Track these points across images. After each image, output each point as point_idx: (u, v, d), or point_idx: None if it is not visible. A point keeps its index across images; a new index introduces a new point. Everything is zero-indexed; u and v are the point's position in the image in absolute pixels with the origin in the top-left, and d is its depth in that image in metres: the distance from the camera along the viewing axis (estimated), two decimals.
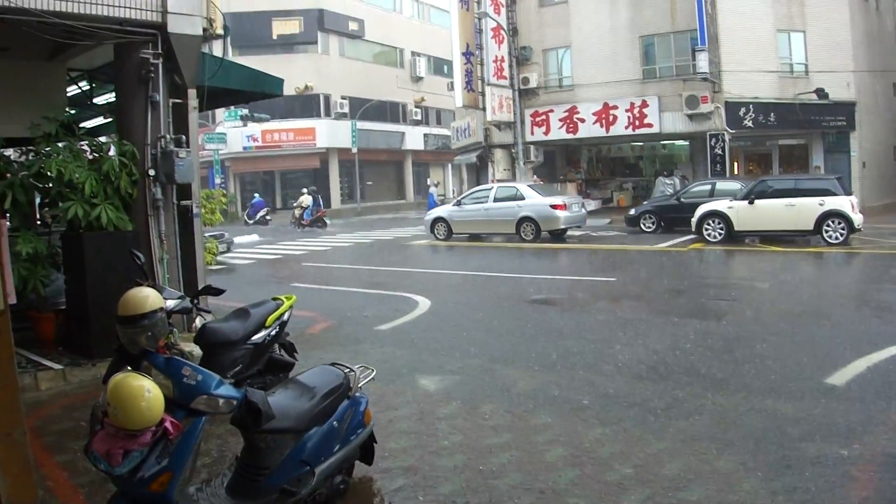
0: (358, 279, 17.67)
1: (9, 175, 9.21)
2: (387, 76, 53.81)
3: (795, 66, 31.26)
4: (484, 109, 33.88)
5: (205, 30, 10.46)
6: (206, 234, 18.49)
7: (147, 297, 4.32)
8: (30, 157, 9.71)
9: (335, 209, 48.08)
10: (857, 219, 20.34)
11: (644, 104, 31.76)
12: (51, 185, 9.56)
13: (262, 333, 6.95)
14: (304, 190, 40.35)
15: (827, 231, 20.40)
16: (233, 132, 45.23)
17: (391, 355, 9.50)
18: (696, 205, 23.32)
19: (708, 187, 25.24)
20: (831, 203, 20.40)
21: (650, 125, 31.76)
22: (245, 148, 47.57)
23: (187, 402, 4.04)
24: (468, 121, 39.29)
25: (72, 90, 14.05)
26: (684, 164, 35.21)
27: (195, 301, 6.16)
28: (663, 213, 25.94)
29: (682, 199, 25.37)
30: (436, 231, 27.36)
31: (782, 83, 30.77)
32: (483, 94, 33.60)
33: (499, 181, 31.84)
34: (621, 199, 36.57)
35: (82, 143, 10.17)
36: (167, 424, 3.86)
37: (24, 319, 9.56)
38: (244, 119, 42.96)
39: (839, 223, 20.27)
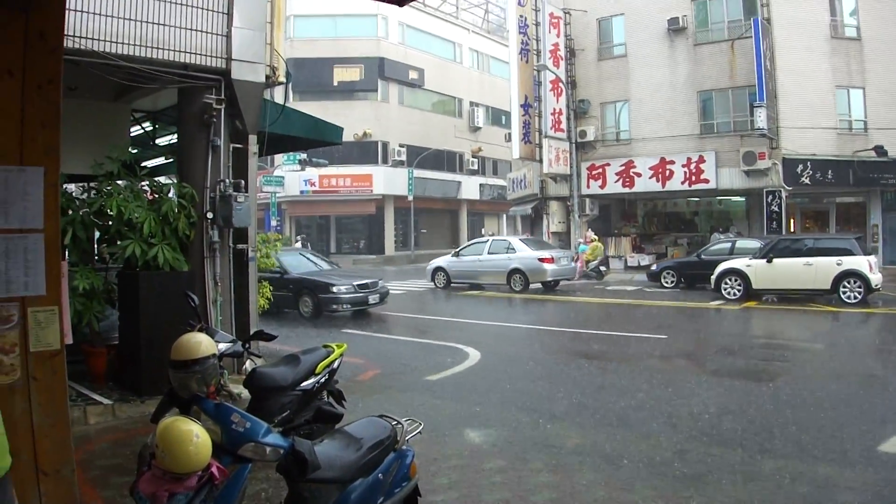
0: (409, 327, 17.65)
1: (70, 211, 9.37)
2: (445, 125, 54.19)
3: (854, 122, 30.81)
4: (541, 161, 33.98)
5: (267, 77, 10.66)
6: (380, 283, 19.49)
7: (200, 343, 4.36)
8: (91, 195, 9.92)
9: (388, 256, 48.35)
10: (875, 279, 20.25)
11: (701, 159, 31.52)
12: (110, 222, 9.72)
13: (311, 380, 6.95)
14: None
15: (844, 291, 20.31)
16: (291, 175, 45.75)
17: (439, 406, 9.46)
18: (717, 262, 23.51)
19: (728, 245, 25.79)
20: (849, 263, 20.31)
21: (706, 181, 31.47)
22: (302, 192, 48.05)
23: (235, 449, 4.04)
24: (524, 172, 39.35)
25: (135, 130, 14.41)
26: (740, 220, 34.75)
27: (247, 345, 6.21)
28: (683, 270, 26.18)
29: (703, 257, 25.68)
30: (436, 279, 28.37)
31: (840, 140, 30.32)
32: (540, 146, 33.68)
33: (492, 235, 33.65)
34: (675, 254, 36.09)
35: (143, 183, 10.37)
36: (213, 469, 3.86)
37: (77, 353, 9.70)
38: (302, 163, 43.50)
39: (856, 283, 20.21)
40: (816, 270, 20.72)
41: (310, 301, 18.78)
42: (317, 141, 14.10)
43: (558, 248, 30.11)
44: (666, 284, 26.26)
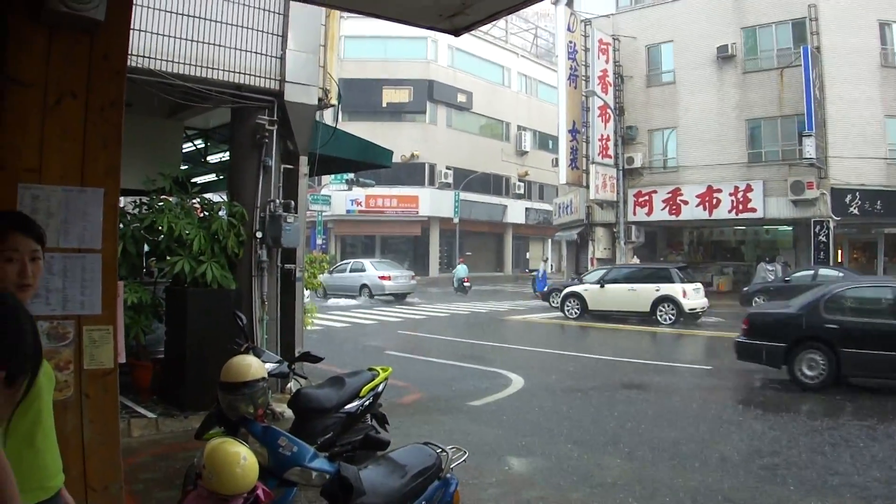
0: (452, 351, 17.60)
1: (122, 226, 9.41)
2: (492, 148, 54.23)
3: None
4: (587, 187, 33.91)
5: (320, 99, 10.74)
6: None
7: (250, 366, 4.38)
8: (143, 210, 10.01)
9: (432, 277, 48.44)
10: (689, 303, 23.75)
11: (748, 188, 31.24)
12: (161, 238, 9.81)
13: (356, 403, 6.94)
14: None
15: (661, 313, 23.97)
16: (337, 195, 46.06)
17: (481, 433, 9.39)
18: (806, 287, 23.51)
19: (811, 272, 26.79)
20: (666, 289, 23.99)
21: (754, 209, 31.20)
22: (349, 211, 48.33)
23: (281, 472, 4.05)
24: (571, 197, 39.26)
25: (187, 147, 14.56)
26: (787, 249, 34.28)
27: (292, 366, 6.22)
28: (774, 295, 26.18)
29: (793, 281, 26.22)
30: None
31: (890, 170, 29.87)
32: (587, 171, 33.60)
33: (352, 259, 39.07)
34: (721, 283, 35.75)
35: (194, 200, 10.49)
36: (259, 492, 3.86)
37: (123, 365, 9.71)
38: (349, 183, 43.82)
39: (671, 307, 23.79)
40: (638, 295, 24.43)
41: None
42: (366, 163, 14.19)
43: (403, 269, 37.19)
44: None
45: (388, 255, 51.08)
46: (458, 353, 17.20)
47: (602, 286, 25.45)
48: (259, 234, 10.12)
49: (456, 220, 48.77)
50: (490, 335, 20.93)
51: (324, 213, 44.05)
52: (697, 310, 24.21)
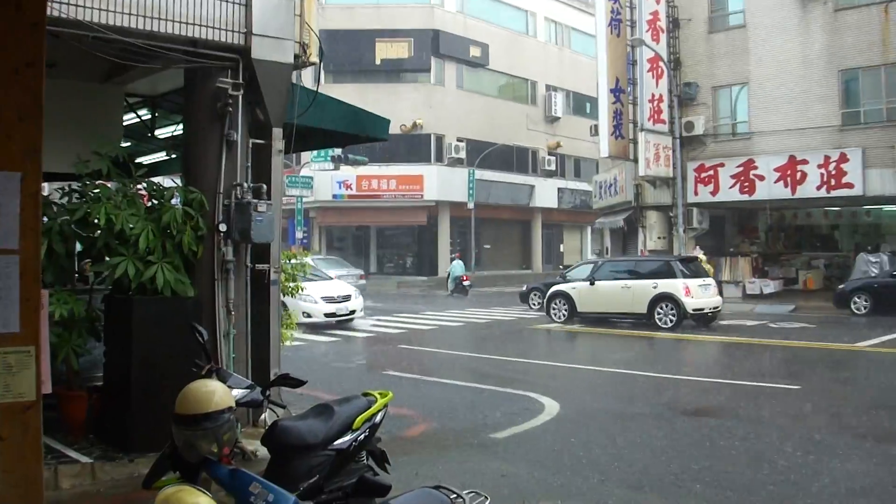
0: (468, 369, 17.64)
1: (46, 219, 9.18)
2: (514, 115, 54.14)
3: None
4: (635, 161, 33.76)
5: (296, 56, 10.62)
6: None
7: (213, 393, 4.34)
8: (73, 199, 9.81)
9: (441, 278, 47.64)
10: (691, 302, 24.78)
11: (843, 158, 31.00)
12: (97, 234, 9.71)
13: (348, 437, 6.83)
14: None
15: (659, 315, 25.18)
16: (321, 176, 46.01)
17: (508, 473, 9.31)
18: None
19: None
20: (664, 286, 25.20)
21: (850, 185, 30.95)
22: (335, 196, 48.41)
23: None
24: (615, 174, 39.12)
25: (129, 119, 14.47)
26: (895, 235, 34.10)
27: (267, 393, 6.15)
28: (880, 293, 26.75)
29: None
30: None
31: None
32: (635, 141, 33.49)
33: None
34: (809, 279, 35.51)
35: (139, 185, 10.27)
36: None
37: (50, 397, 9.53)
38: (336, 161, 43.67)
39: (670, 307, 24.97)
40: (633, 294, 25.78)
41: None
42: (356, 136, 14.02)
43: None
44: (856, 311, 27.41)
45: (385, 250, 51.02)
46: (474, 370, 17.28)
47: (592, 283, 26.87)
48: (223, 228, 10.01)
49: (471, 206, 48.76)
50: (509, 348, 20.94)
51: (304, 200, 44.02)
52: (706, 310, 25.42)
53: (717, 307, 25.68)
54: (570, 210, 57.75)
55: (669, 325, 24.61)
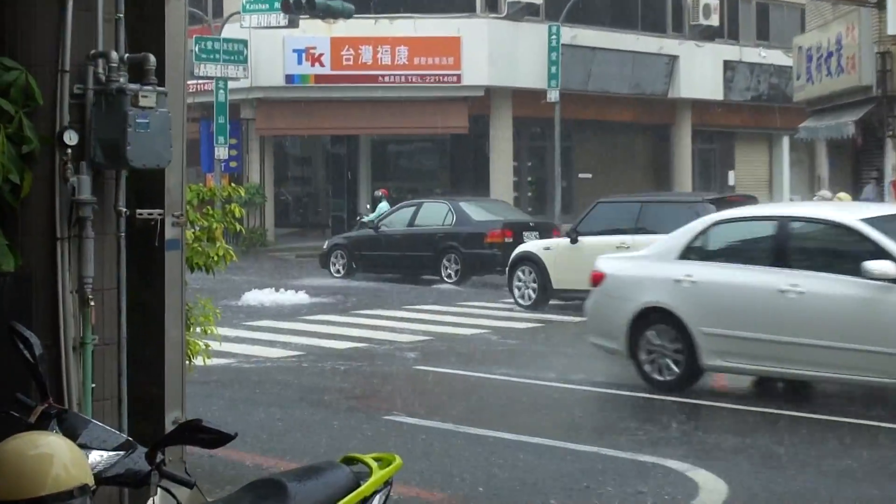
0: (540, 411, 12.29)
1: None
2: None
3: None
4: (881, 6, 24.63)
5: None
6: None
7: (49, 461, 2.88)
8: None
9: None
10: None
11: None
12: None
13: None
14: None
15: None
16: (263, 40, 30.90)
17: None
18: None
19: None
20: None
21: None
22: (292, 79, 33.31)
23: None
24: (838, 33, 28.07)
25: None
26: None
27: (160, 460, 3.71)
28: None
29: None
30: None
31: None
32: None
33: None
34: None
35: None
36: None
37: None
38: (289, 11, 28.41)
39: None
40: None
41: None
42: None
43: None
44: None
45: (391, 181, 34.98)
46: (559, 415, 12.03)
47: (574, 241, 20.05)
48: (70, 138, 6.54)
49: (553, 97, 33.80)
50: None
51: (233, 86, 30.56)
52: None
53: None
54: (749, 104, 40.31)
55: None
